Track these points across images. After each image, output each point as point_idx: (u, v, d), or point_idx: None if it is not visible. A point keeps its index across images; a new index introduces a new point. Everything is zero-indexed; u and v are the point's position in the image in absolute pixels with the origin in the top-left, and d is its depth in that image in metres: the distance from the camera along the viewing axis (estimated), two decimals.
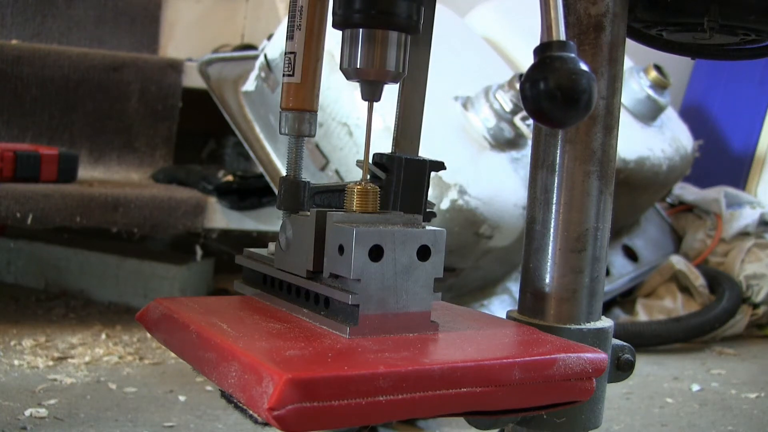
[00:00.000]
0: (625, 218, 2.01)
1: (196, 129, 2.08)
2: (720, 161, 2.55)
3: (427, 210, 0.61)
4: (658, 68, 1.87)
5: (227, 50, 2.07)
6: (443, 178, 1.39)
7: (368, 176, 0.56)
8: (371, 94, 0.53)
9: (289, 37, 0.55)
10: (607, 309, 1.84)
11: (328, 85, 1.41)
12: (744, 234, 2.06)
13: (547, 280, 0.60)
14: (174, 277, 1.79)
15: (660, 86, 1.87)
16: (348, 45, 0.52)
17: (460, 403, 0.44)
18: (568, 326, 0.59)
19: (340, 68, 0.53)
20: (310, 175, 1.47)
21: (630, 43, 0.64)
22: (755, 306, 1.88)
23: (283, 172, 0.58)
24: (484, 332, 0.54)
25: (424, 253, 0.49)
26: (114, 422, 1.08)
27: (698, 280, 1.89)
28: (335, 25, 0.53)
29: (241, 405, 0.44)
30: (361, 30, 0.51)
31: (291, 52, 0.55)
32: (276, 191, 1.45)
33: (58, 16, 2.05)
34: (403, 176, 0.60)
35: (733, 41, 0.68)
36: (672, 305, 1.88)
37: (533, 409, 0.48)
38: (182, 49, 2.20)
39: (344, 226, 0.48)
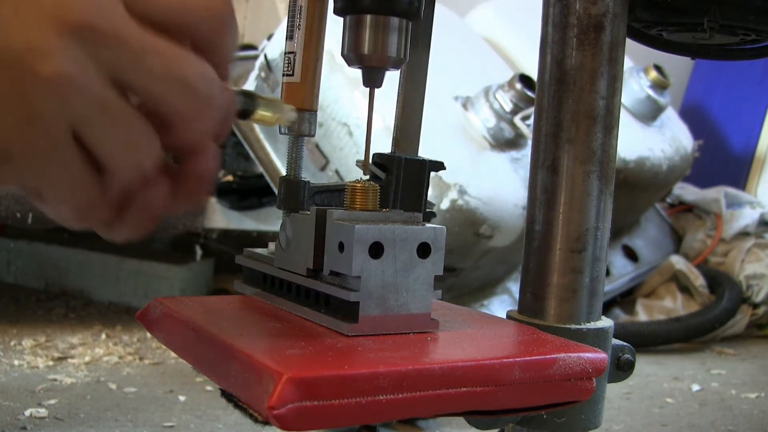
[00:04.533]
0: (625, 218, 2.01)
1: None
2: (720, 161, 2.55)
3: (427, 210, 0.61)
4: (658, 68, 1.87)
5: None
6: (443, 178, 1.39)
7: (370, 162, 0.56)
8: (373, 81, 0.53)
9: (289, 36, 0.55)
10: (607, 309, 1.84)
11: (328, 85, 1.41)
12: (744, 234, 2.06)
13: (547, 280, 0.60)
14: (174, 277, 1.79)
15: (660, 86, 1.87)
16: (349, 31, 0.52)
17: (460, 403, 0.45)
18: (568, 326, 0.59)
19: (341, 55, 0.53)
20: (310, 175, 1.47)
21: (630, 43, 0.64)
22: (755, 306, 1.88)
23: (283, 172, 0.58)
24: (484, 332, 0.54)
25: (424, 250, 0.49)
26: (114, 422, 1.08)
27: (698, 280, 1.89)
28: (336, 12, 0.53)
29: (241, 404, 0.44)
30: (362, 16, 0.51)
31: (291, 52, 0.55)
32: (276, 191, 1.45)
33: None
34: (402, 176, 0.60)
35: (733, 41, 0.68)
36: (672, 305, 1.88)
37: (533, 408, 0.48)
38: None
39: (345, 224, 0.48)
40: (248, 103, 0.43)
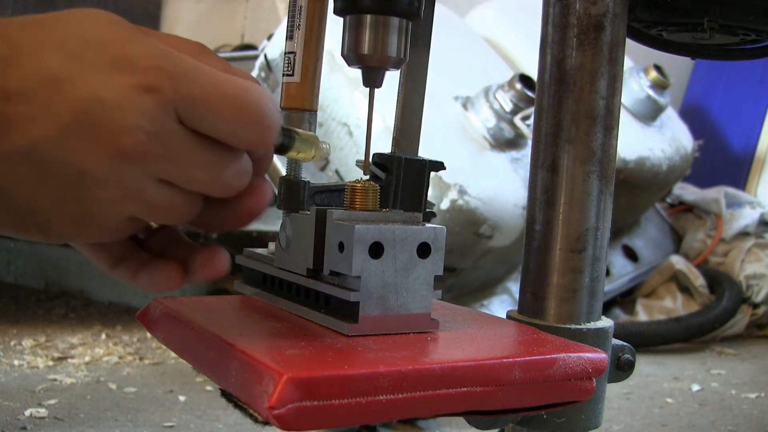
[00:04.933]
0: (625, 218, 2.01)
1: None
2: (720, 161, 2.55)
3: (427, 210, 0.61)
4: (658, 68, 1.87)
5: (227, 50, 2.07)
6: (443, 178, 1.39)
7: (370, 162, 0.56)
8: (373, 81, 0.53)
9: (289, 36, 0.55)
10: (607, 309, 1.84)
11: (328, 85, 1.41)
12: (744, 234, 2.06)
13: (547, 280, 0.60)
14: None
15: (660, 86, 1.87)
16: (349, 31, 0.52)
17: (460, 403, 0.44)
18: (568, 326, 0.59)
19: (341, 55, 0.53)
20: (310, 175, 1.47)
21: (630, 43, 0.63)
22: (755, 306, 1.88)
23: (283, 172, 0.58)
24: (484, 332, 0.54)
25: (424, 250, 0.49)
26: (114, 422, 1.08)
27: (698, 280, 1.89)
28: (336, 12, 0.53)
29: (241, 404, 0.44)
30: (362, 16, 0.51)
31: (291, 52, 0.55)
32: (276, 191, 1.45)
33: None
34: (402, 176, 0.59)
35: (733, 41, 0.68)
36: (672, 305, 1.88)
37: (533, 408, 0.48)
38: None
39: (345, 224, 0.48)
40: (287, 139, 0.45)
